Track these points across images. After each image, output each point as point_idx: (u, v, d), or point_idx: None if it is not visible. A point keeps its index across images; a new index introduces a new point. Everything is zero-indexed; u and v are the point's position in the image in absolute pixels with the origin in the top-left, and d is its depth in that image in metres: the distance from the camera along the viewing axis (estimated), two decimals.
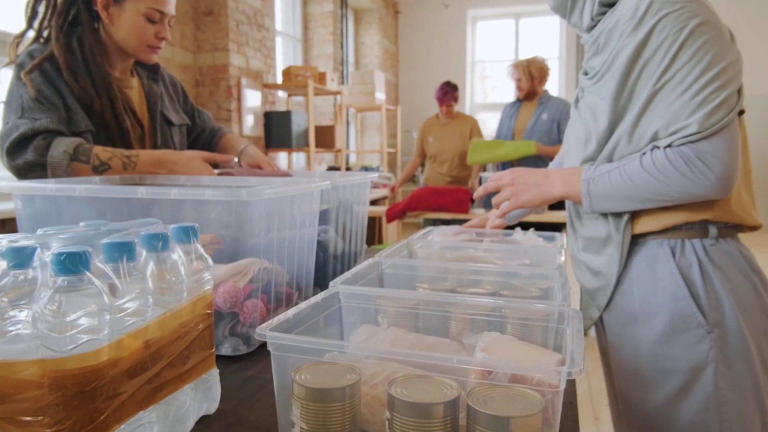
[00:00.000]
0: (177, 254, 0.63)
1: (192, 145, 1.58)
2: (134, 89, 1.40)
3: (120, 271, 0.55)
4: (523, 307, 0.71)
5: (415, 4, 8.33)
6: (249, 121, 4.45)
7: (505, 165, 3.52)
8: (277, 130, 4.64)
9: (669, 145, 0.91)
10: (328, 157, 6.39)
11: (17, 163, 1.13)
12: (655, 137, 0.92)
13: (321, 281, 1.20)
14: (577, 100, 1.10)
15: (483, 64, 8.63)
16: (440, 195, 3.44)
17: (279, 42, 5.93)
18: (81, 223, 0.69)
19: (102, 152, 1.18)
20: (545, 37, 8.10)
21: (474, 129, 3.94)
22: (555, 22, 8.11)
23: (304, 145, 4.80)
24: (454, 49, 8.30)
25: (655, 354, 0.97)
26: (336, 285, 0.79)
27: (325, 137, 5.17)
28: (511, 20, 8.35)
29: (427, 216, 3.47)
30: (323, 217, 1.25)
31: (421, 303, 0.80)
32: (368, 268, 0.96)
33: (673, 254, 0.97)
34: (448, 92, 3.85)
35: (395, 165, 7.29)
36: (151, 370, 0.57)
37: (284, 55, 6.19)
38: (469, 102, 8.43)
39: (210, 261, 0.69)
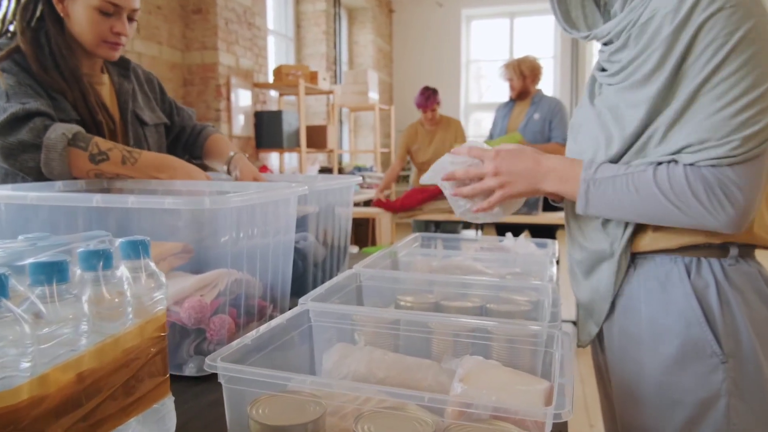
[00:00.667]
0: (122, 272, 0.56)
1: (172, 144, 1.51)
2: (105, 86, 1.33)
3: (48, 294, 0.48)
4: (509, 329, 0.65)
5: (409, 3, 8.27)
6: (239, 121, 4.38)
7: None
8: (267, 130, 4.57)
9: (692, 164, 0.79)
10: (321, 158, 6.32)
11: (9, 141, 1.08)
12: (680, 150, 0.80)
13: (300, 291, 1.13)
14: (592, 95, 0.99)
15: (478, 64, 8.58)
16: (433, 194, 3.40)
17: (271, 41, 5.85)
18: (20, 237, 0.63)
19: (103, 142, 1.13)
20: (540, 37, 8.05)
21: (458, 132, 3.85)
22: (550, 21, 8.05)
23: (295, 145, 4.73)
24: (449, 49, 8.24)
25: (661, 383, 0.88)
26: (306, 302, 0.73)
27: (317, 137, 5.11)
28: (505, 19, 8.30)
29: (418, 218, 3.42)
30: (303, 223, 1.19)
31: (401, 321, 0.73)
32: (345, 280, 0.90)
33: (689, 273, 0.87)
34: (430, 96, 3.76)
35: (389, 165, 7.22)
36: (86, 405, 0.50)
37: (276, 54, 6.11)
38: (463, 102, 8.38)
39: (163, 278, 0.63)
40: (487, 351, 0.68)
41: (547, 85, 7.77)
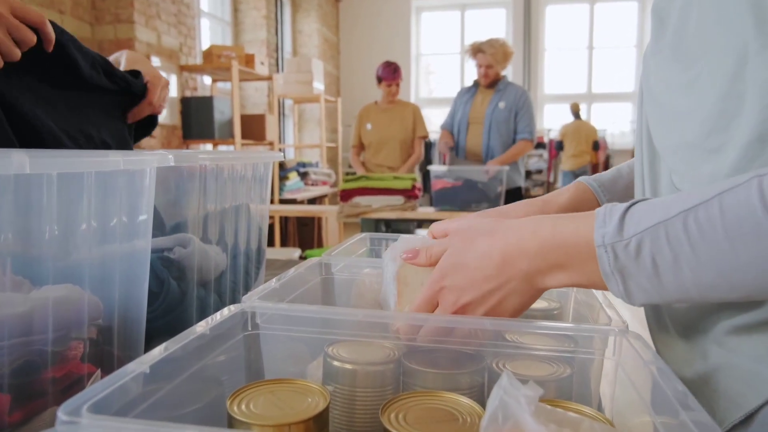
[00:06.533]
0: None
1: None
2: None
3: None
4: None
5: None
6: None
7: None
8: (196, 119, 4.05)
9: None
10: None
11: None
12: None
13: (177, 327, 0.70)
14: None
15: (427, 58, 8.27)
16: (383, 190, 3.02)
17: (206, 24, 5.31)
18: None
19: None
20: (492, 30, 7.81)
21: (417, 115, 3.48)
22: (501, 14, 7.83)
23: (228, 136, 4.23)
24: (398, 41, 7.88)
25: None
26: (78, 419, 0.30)
27: (254, 128, 4.61)
28: (456, 12, 8.01)
29: (367, 215, 3.01)
30: (182, 223, 0.76)
31: None
32: (224, 326, 0.47)
33: None
34: (397, 69, 3.40)
35: (336, 161, 6.78)
36: None
37: (212, 38, 5.57)
38: (413, 97, 8.04)
39: None
40: None
41: None
